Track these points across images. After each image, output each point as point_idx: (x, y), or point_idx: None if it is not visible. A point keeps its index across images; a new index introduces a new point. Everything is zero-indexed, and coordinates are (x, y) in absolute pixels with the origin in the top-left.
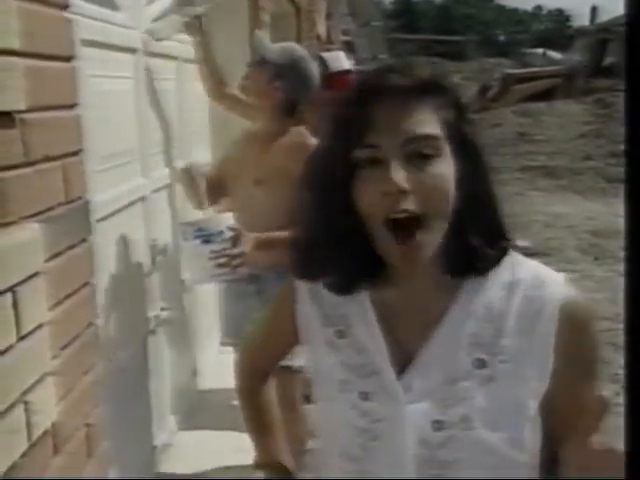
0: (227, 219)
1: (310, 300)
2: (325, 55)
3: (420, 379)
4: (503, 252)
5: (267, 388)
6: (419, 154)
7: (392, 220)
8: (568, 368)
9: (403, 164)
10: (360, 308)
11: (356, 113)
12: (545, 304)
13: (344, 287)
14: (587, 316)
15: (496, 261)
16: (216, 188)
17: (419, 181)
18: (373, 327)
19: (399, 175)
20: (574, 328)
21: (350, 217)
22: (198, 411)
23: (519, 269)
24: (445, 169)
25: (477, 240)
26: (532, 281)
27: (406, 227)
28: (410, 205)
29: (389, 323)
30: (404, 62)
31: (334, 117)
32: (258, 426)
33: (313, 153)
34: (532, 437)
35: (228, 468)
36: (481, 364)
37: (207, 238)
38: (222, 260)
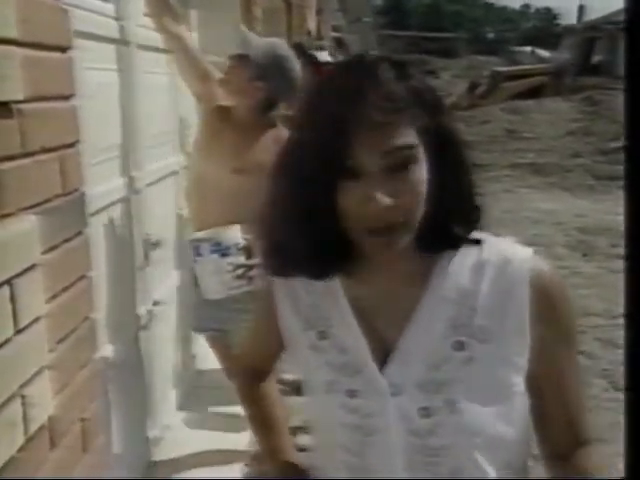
0: (237, 230)
1: (289, 306)
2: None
3: (402, 370)
4: (475, 223)
5: (268, 385)
6: (398, 164)
7: (373, 228)
8: (546, 338)
9: (383, 176)
10: (338, 308)
11: (332, 132)
12: (513, 281)
13: (318, 273)
14: (556, 284)
15: (468, 233)
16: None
17: (401, 192)
18: (352, 326)
19: (381, 192)
20: (545, 298)
21: (327, 214)
22: (196, 389)
23: (486, 249)
24: (422, 174)
25: (450, 222)
26: (499, 260)
27: (385, 233)
28: (392, 218)
29: (367, 319)
30: (373, 72)
31: (310, 130)
32: (261, 424)
33: (293, 147)
34: (520, 413)
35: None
36: (460, 346)
37: (224, 251)
38: (240, 272)
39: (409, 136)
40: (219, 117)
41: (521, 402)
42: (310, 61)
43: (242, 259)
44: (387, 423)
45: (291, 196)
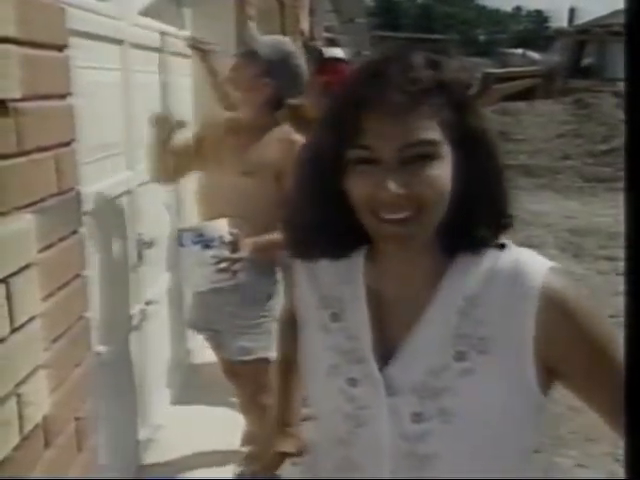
0: (224, 224)
1: (307, 282)
2: (323, 49)
3: (402, 371)
4: (503, 228)
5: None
6: (416, 157)
7: (385, 218)
8: (571, 354)
9: (399, 166)
10: (354, 291)
11: (350, 114)
12: (522, 295)
13: (337, 255)
14: (567, 301)
15: (493, 238)
16: (185, 160)
17: (415, 184)
18: (362, 313)
19: (395, 182)
20: (558, 315)
21: (338, 202)
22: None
23: (502, 258)
24: (442, 169)
25: (479, 219)
26: (511, 271)
27: (396, 224)
28: (403, 209)
29: (380, 312)
30: (404, 57)
31: (330, 112)
32: (282, 388)
33: (308, 142)
34: (516, 427)
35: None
36: (460, 356)
37: (207, 244)
38: (223, 265)
39: (431, 131)
40: (227, 125)
41: (518, 417)
42: (317, 56)
43: (226, 252)
44: (379, 420)
45: (310, 177)
